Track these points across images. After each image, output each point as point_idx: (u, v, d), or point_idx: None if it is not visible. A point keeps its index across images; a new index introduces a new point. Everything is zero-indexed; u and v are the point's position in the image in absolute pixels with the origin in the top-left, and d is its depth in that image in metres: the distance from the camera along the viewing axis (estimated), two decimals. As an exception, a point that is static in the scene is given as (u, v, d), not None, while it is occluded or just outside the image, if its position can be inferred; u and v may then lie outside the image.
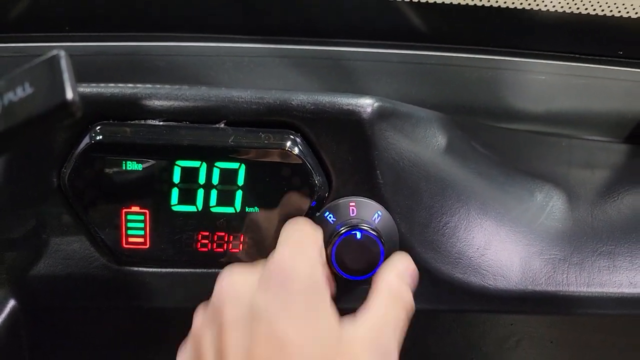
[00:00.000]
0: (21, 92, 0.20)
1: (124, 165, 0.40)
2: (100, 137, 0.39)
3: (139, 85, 0.41)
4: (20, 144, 0.21)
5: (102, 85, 0.40)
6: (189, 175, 0.41)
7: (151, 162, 0.40)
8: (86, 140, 0.40)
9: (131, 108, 0.40)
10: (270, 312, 0.30)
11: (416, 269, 0.40)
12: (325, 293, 0.34)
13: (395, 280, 0.37)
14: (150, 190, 0.41)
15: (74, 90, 0.20)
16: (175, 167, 0.41)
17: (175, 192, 0.41)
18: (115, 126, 0.40)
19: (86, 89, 0.39)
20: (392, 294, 0.36)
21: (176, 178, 0.41)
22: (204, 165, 0.41)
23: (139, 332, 0.48)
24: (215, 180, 0.41)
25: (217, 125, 0.41)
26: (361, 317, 0.34)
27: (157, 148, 0.40)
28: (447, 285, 0.45)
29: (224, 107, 0.41)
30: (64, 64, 0.20)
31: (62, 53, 0.20)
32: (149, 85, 0.41)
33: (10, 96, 0.20)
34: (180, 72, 0.52)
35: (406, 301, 0.36)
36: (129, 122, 0.40)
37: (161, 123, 0.41)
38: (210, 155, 0.41)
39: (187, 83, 0.43)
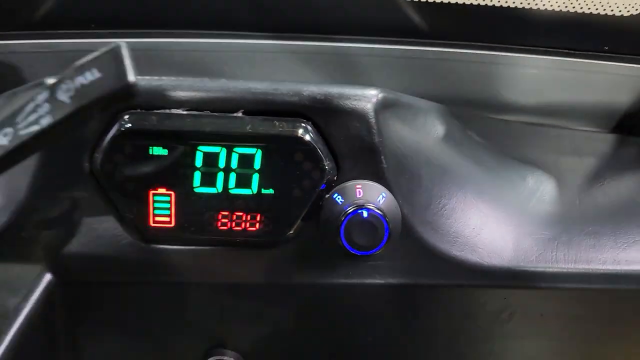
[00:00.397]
0: (90, 76, 0.24)
1: (150, 150, 0.44)
2: (129, 124, 0.43)
3: (164, 77, 0.45)
4: (87, 122, 0.25)
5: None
6: (210, 159, 0.45)
7: (176, 147, 0.44)
8: (116, 127, 0.44)
9: (157, 98, 0.44)
10: None
11: None
12: None
13: None
14: (175, 174, 0.45)
15: (134, 74, 0.24)
16: (198, 152, 0.45)
17: (197, 175, 0.45)
18: (142, 115, 0.44)
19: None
20: None
21: (198, 162, 0.45)
22: (224, 150, 0.45)
23: (163, 306, 0.52)
24: (234, 164, 0.45)
25: (235, 114, 0.45)
26: None
27: (181, 135, 0.44)
28: (445, 262, 0.49)
29: (242, 98, 0.45)
30: (125, 53, 0.24)
31: (123, 44, 0.24)
32: (173, 78, 0.45)
33: (81, 80, 0.24)
34: (198, 66, 0.56)
35: None
36: (155, 111, 0.44)
37: (185, 112, 0.45)
38: (229, 141, 0.45)
39: (206, 76, 0.46)
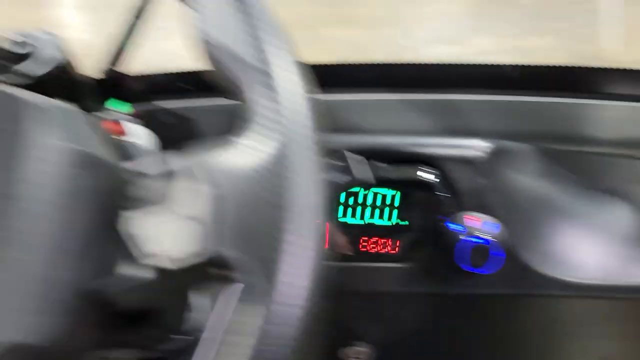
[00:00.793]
0: (339, 174, 0.38)
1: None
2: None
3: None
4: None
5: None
6: (352, 196, 0.59)
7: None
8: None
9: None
10: None
11: None
12: None
13: None
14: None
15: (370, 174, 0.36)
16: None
17: (340, 208, 0.59)
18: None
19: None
20: None
21: (342, 199, 0.59)
22: (362, 190, 0.59)
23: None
24: (373, 201, 0.59)
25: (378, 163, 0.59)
26: None
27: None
28: (544, 277, 0.61)
29: (377, 150, 0.59)
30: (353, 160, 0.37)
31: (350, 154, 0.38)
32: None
33: (333, 175, 0.38)
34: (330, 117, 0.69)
35: None
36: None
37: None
38: (368, 185, 0.59)
39: (338, 127, 0.60)
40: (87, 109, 0.54)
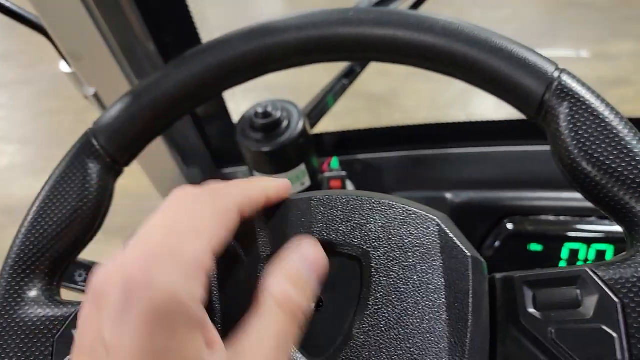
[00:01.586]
0: None
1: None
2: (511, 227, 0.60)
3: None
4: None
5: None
6: (574, 253, 0.60)
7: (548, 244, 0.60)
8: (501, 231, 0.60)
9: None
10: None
11: (318, 254, 0.28)
12: (194, 318, 0.22)
13: (281, 285, 0.26)
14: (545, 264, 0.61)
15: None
16: (564, 248, 0.60)
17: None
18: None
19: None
20: (277, 303, 0.26)
21: (564, 255, 0.60)
22: (584, 246, 0.60)
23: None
24: (590, 256, 0.60)
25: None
26: (237, 342, 0.24)
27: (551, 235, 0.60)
28: None
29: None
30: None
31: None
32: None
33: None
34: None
35: (295, 307, 0.26)
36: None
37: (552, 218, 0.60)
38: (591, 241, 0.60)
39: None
40: (311, 167, 0.58)
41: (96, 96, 0.53)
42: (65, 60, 0.52)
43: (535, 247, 0.60)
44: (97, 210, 0.36)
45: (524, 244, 0.60)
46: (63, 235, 0.35)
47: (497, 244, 0.60)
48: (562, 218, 0.59)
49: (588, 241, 0.59)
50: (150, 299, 0.21)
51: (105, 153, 0.36)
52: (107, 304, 0.22)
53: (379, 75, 2.20)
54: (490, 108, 2.09)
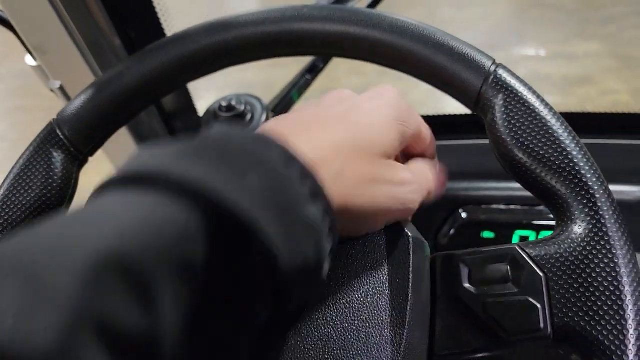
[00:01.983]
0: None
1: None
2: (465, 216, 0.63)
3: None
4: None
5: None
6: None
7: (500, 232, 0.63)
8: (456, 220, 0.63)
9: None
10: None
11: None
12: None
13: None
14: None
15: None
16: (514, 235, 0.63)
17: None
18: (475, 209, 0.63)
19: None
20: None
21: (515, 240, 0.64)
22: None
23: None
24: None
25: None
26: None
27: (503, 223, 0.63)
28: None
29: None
30: None
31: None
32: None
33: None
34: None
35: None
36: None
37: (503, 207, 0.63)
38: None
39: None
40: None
41: (62, 89, 0.54)
42: (31, 54, 0.53)
43: (488, 234, 0.63)
44: (62, 198, 0.37)
45: (477, 231, 0.63)
46: (28, 222, 0.36)
47: (452, 232, 0.63)
48: (512, 207, 0.63)
49: (537, 228, 0.62)
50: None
51: (69, 143, 0.38)
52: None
53: (353, 74, 2.23)
54: (461, 107, 2.13)
